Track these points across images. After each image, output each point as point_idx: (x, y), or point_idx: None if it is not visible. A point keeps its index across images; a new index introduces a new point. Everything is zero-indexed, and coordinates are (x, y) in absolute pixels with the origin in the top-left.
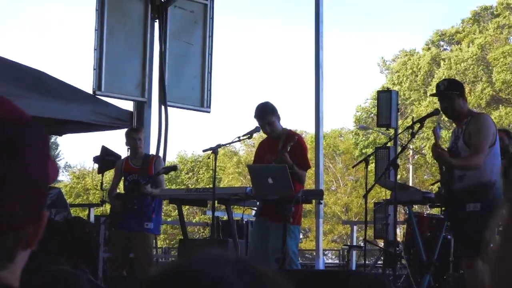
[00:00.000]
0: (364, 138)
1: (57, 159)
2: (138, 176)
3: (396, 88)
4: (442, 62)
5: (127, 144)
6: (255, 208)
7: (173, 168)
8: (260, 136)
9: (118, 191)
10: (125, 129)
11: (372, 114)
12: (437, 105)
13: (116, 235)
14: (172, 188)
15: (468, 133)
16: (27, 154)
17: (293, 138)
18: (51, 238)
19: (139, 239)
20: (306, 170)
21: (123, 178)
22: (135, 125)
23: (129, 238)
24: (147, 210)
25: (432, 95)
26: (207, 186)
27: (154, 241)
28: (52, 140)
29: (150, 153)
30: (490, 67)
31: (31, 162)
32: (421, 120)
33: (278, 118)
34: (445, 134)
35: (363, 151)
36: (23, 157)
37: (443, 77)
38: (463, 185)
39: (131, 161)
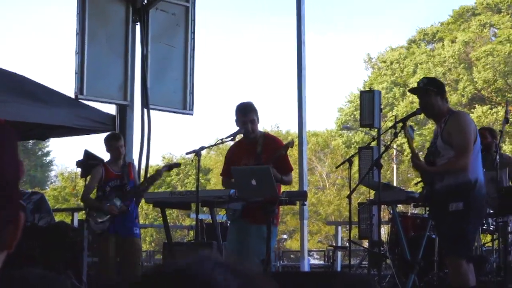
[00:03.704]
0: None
1: (51, 166)
2: (121, 181)
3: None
4: (422, 65)
5: (108, 151)
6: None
7: (177, 165)
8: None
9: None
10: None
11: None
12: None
13: (108, 240)
14: (161, 191)
15: (447, 131)
16: None
17: (282, 148)
18: (34, 243)
19: (131, 245)
20: (291, 172)
21: (97, 185)
22: (116, 130)
23: (121, 243)
24: (133, 215)
25: (409, 90)
26: (193, 189)
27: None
28: (44, 146)
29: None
30: (472, 66)
31: (3, 165)
32: (404, 120)
33: (258, 119)
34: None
35: (348, 151)
36: None
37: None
38: (444, 184)
39: (111, 167)
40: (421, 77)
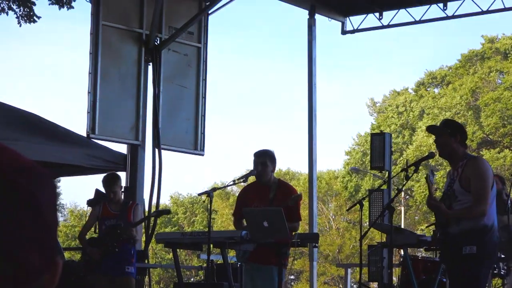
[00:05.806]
0: (356, 179)
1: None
2: (117, 221)
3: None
4: (429, 110)
5: (107, 192)
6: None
7: (167, 211)
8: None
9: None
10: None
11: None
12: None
13: (98, 280)
14: (167, 231)
15: (465, 176)
16: (39, 203)
17: (290, 199)
18: None
19: (122, 283)
20: (299, 221)
21: (97, 223)
22: (127, 170)
23: (112, 282)
24: (128, 254)
25: (427, 128)
26: (202, 229)
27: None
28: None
29: (129, 200)
30: (480, 111)
31: (43, 211)
32: (416, 164)
33: (273, 167)
34: (439, 176)
35: (353, 193)
36: (36, 207)
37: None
38: (459, 228)
39: (109, 206)
40: (428, 122)
